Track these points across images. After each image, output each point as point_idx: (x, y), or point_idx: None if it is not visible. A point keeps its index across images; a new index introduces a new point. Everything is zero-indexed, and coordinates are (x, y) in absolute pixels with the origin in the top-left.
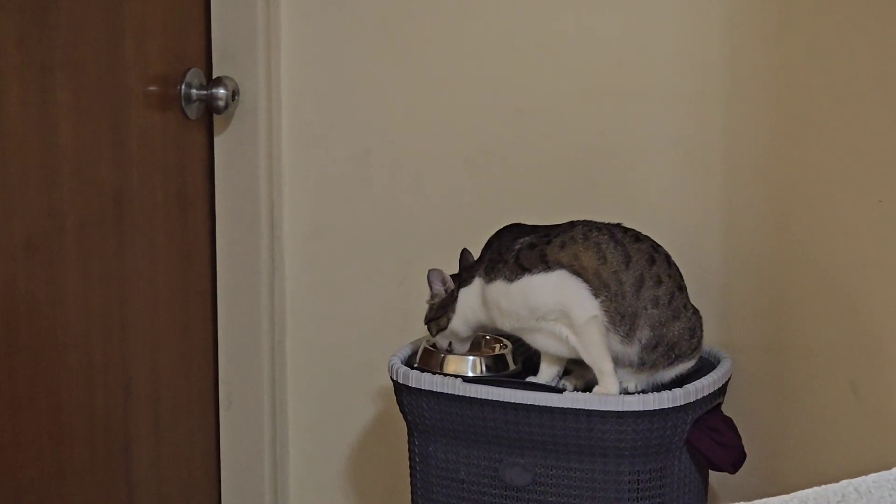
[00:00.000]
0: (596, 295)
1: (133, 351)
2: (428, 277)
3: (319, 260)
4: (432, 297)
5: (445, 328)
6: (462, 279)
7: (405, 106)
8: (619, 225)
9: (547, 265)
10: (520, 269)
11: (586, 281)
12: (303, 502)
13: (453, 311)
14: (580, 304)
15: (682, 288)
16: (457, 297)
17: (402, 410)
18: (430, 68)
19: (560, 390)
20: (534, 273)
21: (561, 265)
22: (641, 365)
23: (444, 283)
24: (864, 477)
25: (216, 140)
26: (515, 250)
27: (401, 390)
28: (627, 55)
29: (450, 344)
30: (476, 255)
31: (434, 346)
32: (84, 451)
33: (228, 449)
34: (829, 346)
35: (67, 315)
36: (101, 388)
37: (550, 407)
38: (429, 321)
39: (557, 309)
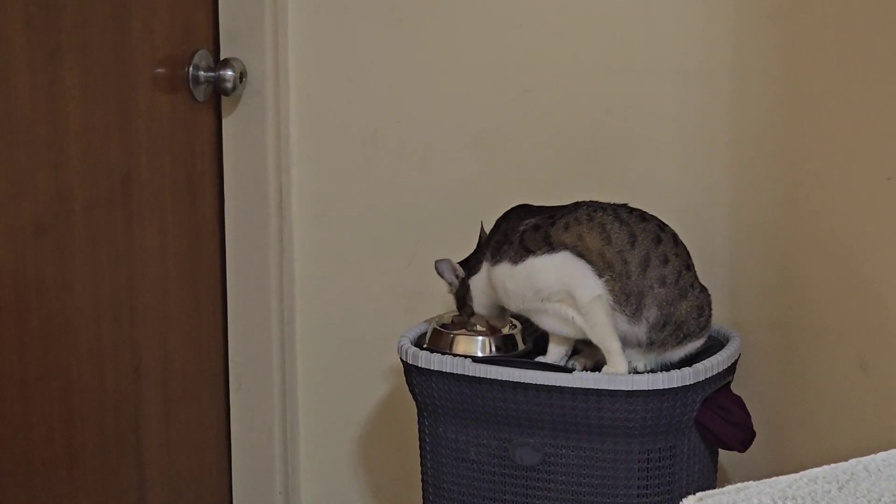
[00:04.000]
0: (600, 275)
1: (143, 333)
2: (437, 268)
3: (328, 241)
4: (450, 286)
5: (473, 314)
6: (470, 266)
7: (412, 86)
8: (624, 205)
9: (551, 246)
10: (524, 250)
11: (590, 261)
12: (313, 483)
13: (471, 299)
14: (584, 284)
15: (689, 266)
16: (468, 287)
17: (411, 391)
18: (436, 48)
19: (569, 370)
20: (538, 255)
21: (565, 246)
22: (650, 344)
23: (454, 271)
24: (873, 455)
25: (224, 122)
26: (520, 232)
27: (410, 371)
28: (633, 33)
29: (487, 323)
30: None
31: (445, 326)
32: (94, 433)
33: (239, 430)
34: (838, 323)
35: (77, 298)
36: (112, 371)
37: (560, 387)
38: (459, 310)
39: (561, 290)
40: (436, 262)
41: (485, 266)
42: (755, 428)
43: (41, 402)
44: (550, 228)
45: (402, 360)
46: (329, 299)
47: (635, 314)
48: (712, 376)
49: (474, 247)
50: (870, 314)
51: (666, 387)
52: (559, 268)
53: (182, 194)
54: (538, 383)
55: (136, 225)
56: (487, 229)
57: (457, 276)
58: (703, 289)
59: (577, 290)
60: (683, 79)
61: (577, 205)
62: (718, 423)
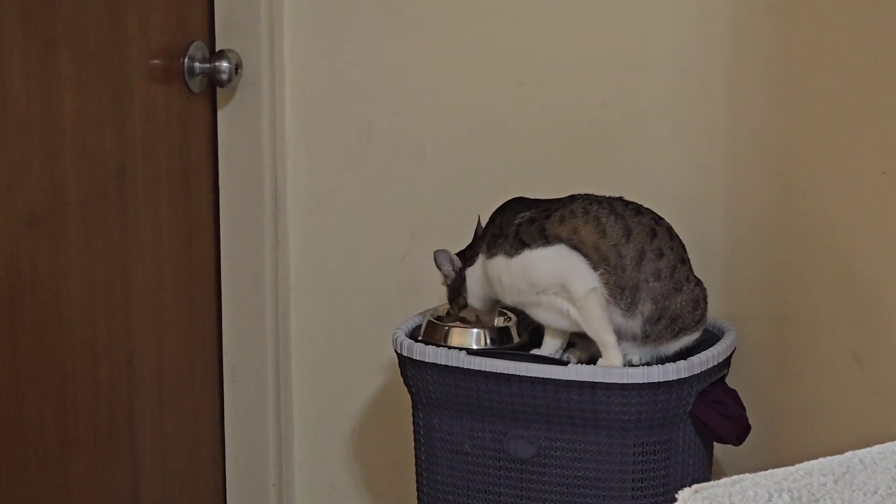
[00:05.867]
0: (595, 268)
1: (137, 325)
2: (435, 259)
3: (322, 233)
4: (444, 277)
5: (466, 307)
6: (467, 258)
7: (408, 79)
8: (620, 198)
9: (546, 239)
10: (519, 243)
11: (585, 255)
12: (307, 476)
13: (465, 290)
14: (578, 277)
15: (684, 260)
16: (465, 278)
17: (406, 383)
18: (432, 41)
19: (564, 363)
20: (533, 248)
21: (560, 239)
22: (645, 338)
23: (451, 262)
24: (868, 448)
25: (219, 113)
26: (515, 225)
27: (405, 363)
28: (629, 26)
29: (477, 317)
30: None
31: (439, 318)
32: (88, 425)
33: (233, 422)
34: (833, 317)
35: (71, 289)
36: (106, 363)
37: (555, 379)
38: (450, 301)
39: (556, 283)
40: (435, 252)
41: (480, 259)
42: (750, 421)
43: (34, 393)
44: (546, 221)
45: (396, 352)
46: (324, 291)
47: (630, 308)
48: (707, 369)
49: (470, 239)
50: (865, 308)
51: (661, 380)
52: (554, 261)
53: (177, 186)
54: (533, 376)
55: (131, 217)
56: (484, 222)
57: (454, 268)
58: (699, 282)
59: (572, 283)
60: (680, 73)
61: (572, 198)
62: (714, 417)
